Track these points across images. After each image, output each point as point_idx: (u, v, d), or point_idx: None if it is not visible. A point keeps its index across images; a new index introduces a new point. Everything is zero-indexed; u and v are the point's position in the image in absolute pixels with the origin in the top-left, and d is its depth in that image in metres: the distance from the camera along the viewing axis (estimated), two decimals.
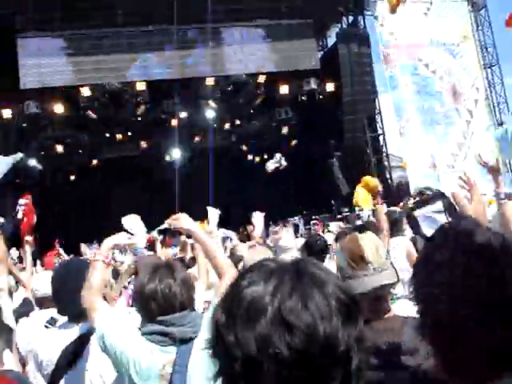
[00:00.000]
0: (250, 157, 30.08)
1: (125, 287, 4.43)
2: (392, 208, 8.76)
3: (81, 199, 26.39)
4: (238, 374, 1.04)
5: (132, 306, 3.05)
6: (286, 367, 1.01)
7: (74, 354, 3.16)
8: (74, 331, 3.35)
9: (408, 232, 7.12)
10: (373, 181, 6.04)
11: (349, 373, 1.05)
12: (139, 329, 2.81)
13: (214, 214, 7.33)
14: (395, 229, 7.13)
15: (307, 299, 1.05)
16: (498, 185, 4.10)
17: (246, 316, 1.06)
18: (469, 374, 1.29)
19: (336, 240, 6.54)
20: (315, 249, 5.83)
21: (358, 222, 8.82)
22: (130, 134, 26.58)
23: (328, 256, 5.95)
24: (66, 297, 3.39)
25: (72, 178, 27.36)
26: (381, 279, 2.42)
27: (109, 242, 3.15)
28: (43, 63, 22.53)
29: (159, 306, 2.76)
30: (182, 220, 3.05)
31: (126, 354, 2.75)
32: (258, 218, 9.18)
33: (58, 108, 23.26)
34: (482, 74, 27.41)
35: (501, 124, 27.37)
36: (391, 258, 2.76)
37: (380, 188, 6.00)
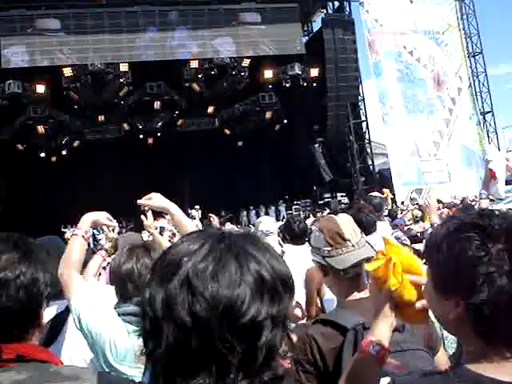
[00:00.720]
0: (232, 140, 30.03)
1: (103, 268, 4.40)
2: (372, 194, 8.78)
3: (61, 180, 26.16)
4: (147, 333, 1.05)
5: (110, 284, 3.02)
6: (185, 332, 1.00)
7: (51, 333, 3.13)
8: (52, 310, 3.32)
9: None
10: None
11: (255, 348, 1.02)
12: (115, 309, 2.78)
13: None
14: (376, 214, 7.16)
15: (219, 266, 1.03)
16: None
17: (161, 274, 1.05)
18: None
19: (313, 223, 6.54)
20: (295, 231, 5.83)
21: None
22: (112, 115, 26.35)
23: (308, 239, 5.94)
24: None
25: (53, 159, 27.13)
26: (360, 254, 2.45)
27: (88, 217, 3.09)
28: (26, 42, 22.27)
29: (135, 286, 2.73)
30: (155, 199, 3.01)
31: (102, 335, 2.72)
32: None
33: (40, 88, 23.01)
34: (465, 63, 27.52)
35: (483, 113, 27.57)
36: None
37: None
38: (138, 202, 2.98)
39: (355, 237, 2.53)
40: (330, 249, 2.47)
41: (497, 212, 1.48)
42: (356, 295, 2.48)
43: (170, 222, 7.66)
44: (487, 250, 1.37)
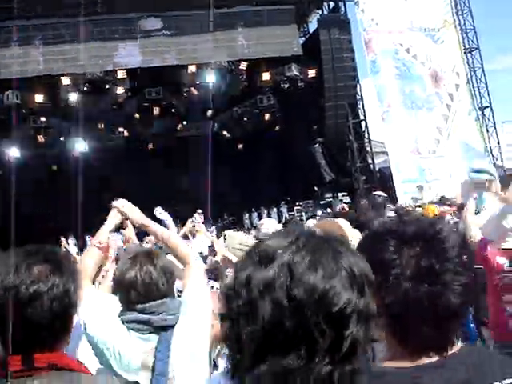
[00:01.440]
0: (232, 144, 30.06)
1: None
2: (376, 192, 8.82)
3: (63, 189, 26.18)
4: (237, 313, 1.13)
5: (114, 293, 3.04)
6: (282, 313, 1.07)
7: None
8: None
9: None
10: None
11: (341, 337, 1.08)
12: (119, 316, 2.81)
13: (162, 214, 7.35)
14: (378, 213, 7.20)
15: (316, 258, 1.12)
16: None
17: (259, 260, 1.14)
18: None
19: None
20: None
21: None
22: (111, 122, 26.40)
23: None
24: None
25: (54, 167, 27.19)
26: None
27: (106, 227, 3.12)
28: (22, 53, 22.31)
29: (139, 293, 2.75)
30: (126, 208, 3.06)
31: (107, 344, 2.75)
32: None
33: (39, 98, 23.08)
34: (462, 59, 27.52)
35: (482, 108, 27.56)
36: None
37: None
38: (116, 211, 3.03)
39: (355, 238, 2.62)
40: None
41: (413, 218, 1.57)
42: None
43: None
44: (400, 254, 1.46)
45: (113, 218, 3.17)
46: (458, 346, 1.52)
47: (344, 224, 2.70)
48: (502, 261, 4.42)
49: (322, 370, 1.07)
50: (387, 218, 7.89)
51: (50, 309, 1.68)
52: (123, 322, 2.77)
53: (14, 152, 24.59)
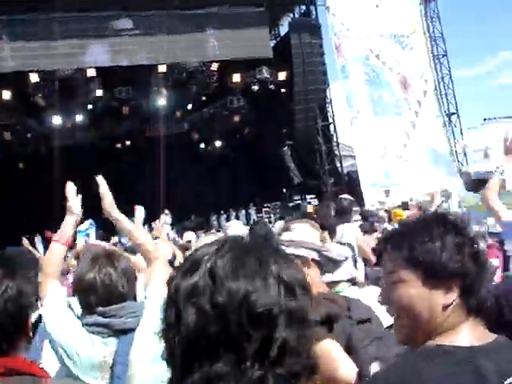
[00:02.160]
0: (201, 145, 30.01)
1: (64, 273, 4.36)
2: (342, 196, 8.87)
3: (30, 188, 25.88)
4: (169, 323, 1.15)
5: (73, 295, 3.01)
6: (205, 319, 1.09)
7: None
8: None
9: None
10: None
11: (269, 340, 1.08)
12: (79, 319, 2.79)
13: (140, 212, 7.27)
14: (344, 217, 7.27)
15: (239, 263, 1.14)
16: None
17: (185, 269, 1.17)
18: None
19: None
20: (258, 235, 5.92)
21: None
22: (80, 121, 26.14)
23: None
24: None
25: (21, 166, 26.85)
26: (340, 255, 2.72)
27: (69, 222, 3.05)
28: None
29: (98, 296, 2.73)
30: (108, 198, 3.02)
31: (67, 346, 2.73)
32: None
33: (6, 94, 22.75)
34: (430, 66, 27.89)
35: (449, 115, 27.95)
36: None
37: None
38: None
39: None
40: (321, 245, 2.66)
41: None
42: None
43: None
44: (464, 234, 1.57)
45: (72, 214, 3.11)
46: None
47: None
48: None
49: (254, 374, 1.07)
50: (353, 222, 7.98)
51: (5, 310, 1.67)
52: (83, 325, 2.75)
53: None
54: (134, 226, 3.02)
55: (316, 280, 2.69)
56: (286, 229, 2.96)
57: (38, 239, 14.13)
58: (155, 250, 2.86)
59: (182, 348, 1.10)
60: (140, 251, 2.97)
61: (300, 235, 2.80)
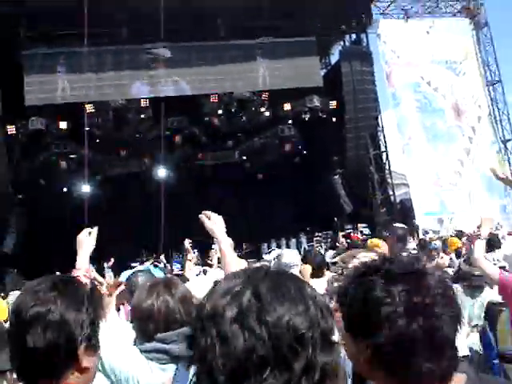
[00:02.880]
0: (252, 174, 30.10)
1: (122, 303, 4.40)
2: (396, 224, 8.73)
3: (84, 215, 26.33)
4: (207, 348, 1.13)
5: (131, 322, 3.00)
6: (255, 340, 1.10)
7: None
8: None
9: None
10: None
11: (312, 360, 1.12)
12: (137, 346, 2.79)
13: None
14: (399, 245, 7.14)
15: (280, 286, 1.17)
16: None
17: (221, 295, 1.17)
18: None
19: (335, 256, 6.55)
20: (313, 265, 5.89)
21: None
22: (133, 150, 26.63)
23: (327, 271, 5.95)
24: None
25: (75, 194, 27.37)
26: None
27: (83, 254, 3.02)
28: (47, 80, 22.69)
29: (157, 323, 2.74)
30: (212, 219, 3.06)
31: (125, 373, 2.73)
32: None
33: (62, 125, 23.38)
34: (484, 92, 27.48)
35: (504, 141, 27.42)
36: None
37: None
38: (200, 215, 3.04)
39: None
40: None
41: (398, 256, 1.61)
42: None
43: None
44: (389, 292, 1.47)
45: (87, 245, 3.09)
46: (462, 377, 1.54)
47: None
48: None
49: None
50: (411, 251, 7.83)
51: (44, 335, 1.65)
52: (142, 352, 2.75)
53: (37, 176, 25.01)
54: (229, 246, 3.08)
55: None
56: (353, 256, 2.95)
57: (106, 266, 14.28)
58: None
59: (229, 369, 1.10)
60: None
61: None
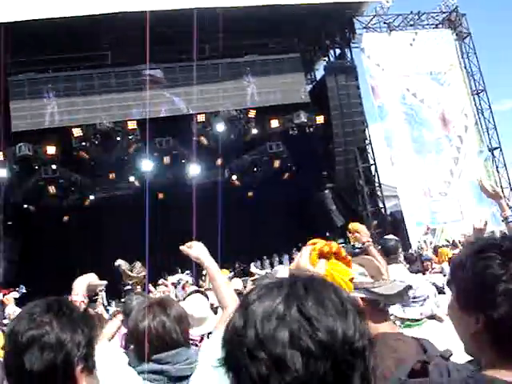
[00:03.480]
0: (242, 191, 30.10)
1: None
2: (387, 236, 8.74)
3: (75, 239, 26.23)
4: (262, 376, 1.08)
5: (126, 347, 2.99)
6: (313, 360, 1.06)
7: None
8: None
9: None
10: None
11: (367, 368, 1.11)
12: (134, 367, 2.76)
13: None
14: (390, 258, 7.11)
15: (323, 299, 1.13)
16: (503, 209, 4.38)
17: (264, 318, 1.11)
18: None
19: None
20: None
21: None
22: (122, 172, 26.58)
23: None
24: None
25: (65, 218, 27.28)
26: (399, 286, 2.57)
27: (81, 281, 2.97)
28: (34, 106, 22.69)
29: (153, 343, 2.72)
30: (195, 248, 3.02)
31: None
32: None
33: (51, 149, 23.34)
34: (470, 101, 27.70)
35: (491, 149, 27.60)
36: None
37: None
38: (181, 248, 3.01)
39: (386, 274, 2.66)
40: (373, 281, 2.57)
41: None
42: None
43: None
44: (507, 269, 1.49)
45: (89, 277, 3.05)
46: None
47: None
48: None
49: None
50: (399, 263, 7.81)
51: (41, 357, 1.64)
52: (139, 373, 2.73)
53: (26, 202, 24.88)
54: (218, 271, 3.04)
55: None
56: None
57: (100, 293, 14.18)
58: (231, 297, 2.85)
59: None
60: (217, 295, 2.96)
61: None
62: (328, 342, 1.07)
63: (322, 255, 2.14)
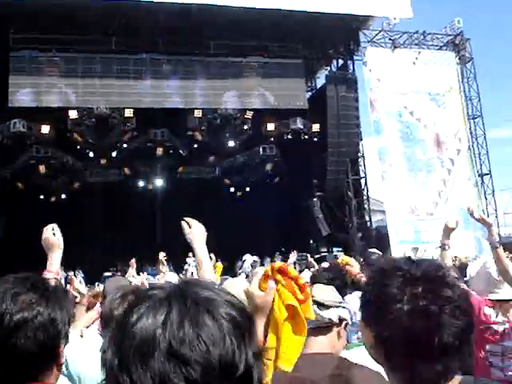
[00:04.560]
0: (232, 191, 30.13)
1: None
2: (371, 250, 8.79)
3: (60, 221, 26.16)
4: None
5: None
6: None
7: None
8: None
9: None
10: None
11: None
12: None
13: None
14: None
15: (198, 327, 1.00)
16: (491, 234, 4.55)
17: (138, 354, 0.98)
18: None
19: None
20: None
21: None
22: (114, 159, 26.53)
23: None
24: None
25: (53, 199, 27.20)
26: None
27: (56, 257, 3.00)
28: (34, 82, 22.59)
29: None
30: (192, 227, 3.03)
31: (89, 378, 2.73)
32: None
33: (45, 129, 23.27)
34: (465, 125, 27.86)
35: (481, 175, 27.76)
36: None
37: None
38: (182, 222, 3.00)
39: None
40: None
41: (422, 260, 1.71)
42: None
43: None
44: (403, 292, 1.57)
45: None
46: (457, 378, 1.62)
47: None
48: (489, 311, 4.53)
49: None
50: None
51: (35, 339, 1.62)
52: None
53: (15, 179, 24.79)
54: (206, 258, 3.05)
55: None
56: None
57: (78, 273, 14.18)
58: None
59: None
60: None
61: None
62: (205, 379, 0.96)
63: (268, 277, 2.21)
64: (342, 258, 5.37)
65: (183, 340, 0.98)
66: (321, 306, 2.73)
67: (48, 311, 1.68)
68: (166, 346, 0.97)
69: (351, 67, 26.80)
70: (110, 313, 2.83)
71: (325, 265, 8.06)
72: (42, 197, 26.65)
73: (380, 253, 8.64)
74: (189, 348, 0.97)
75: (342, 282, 4.90)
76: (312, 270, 9.07)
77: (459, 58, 28.39)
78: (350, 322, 2.96)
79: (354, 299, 3.22)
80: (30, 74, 22.51)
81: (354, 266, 5.04)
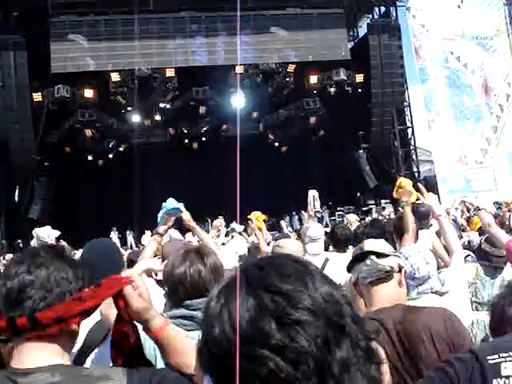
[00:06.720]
0: (276, 145, 30.00)
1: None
2: (419, 201, 8.65)
3: (108, 183, 26.54)
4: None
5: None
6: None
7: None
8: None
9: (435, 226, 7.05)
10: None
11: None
12: (165, 312, 2.81)
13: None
14: (421, 223, 7.08)
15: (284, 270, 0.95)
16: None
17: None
18: None
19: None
20: (339, 238, 5.92)
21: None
22: (158, 120, 26.68)
23: (351, 246, 5.94)
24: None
25: (100, 162, 27.57)
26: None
27: (142, 265, 3.11)
28: (73, 48, 22.72)
29: (187, 290, 2.76)
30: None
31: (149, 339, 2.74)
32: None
33: (88, 93, 23.47)
34: None
35: None
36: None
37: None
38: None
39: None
40: None
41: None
42: None
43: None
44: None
45: (152, 262, 3.19)
46: None
47: None
48: None
49: None
50: (430, 228, 7.77)
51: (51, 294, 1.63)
52: (169, 318, 2.76)
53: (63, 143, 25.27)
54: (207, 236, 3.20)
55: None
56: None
57: (114, 233, 14.47)
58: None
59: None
60: None
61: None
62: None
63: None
64: (401, 179, 5.25)
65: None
66: (379, 255, 2.68)
67: (62, 267, 1.70)
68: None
69: (394, 14, 26.07)
70: (170, 271, 2.82)
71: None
72: (90, 159, 27.04)
73: (429, 204, 8.54)
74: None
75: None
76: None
77: None
78: (410, 275, 2.93)
79: (414, 253, 3.11)
80: (69, 39, 22.62)
81: (404, 190, 4.98)
